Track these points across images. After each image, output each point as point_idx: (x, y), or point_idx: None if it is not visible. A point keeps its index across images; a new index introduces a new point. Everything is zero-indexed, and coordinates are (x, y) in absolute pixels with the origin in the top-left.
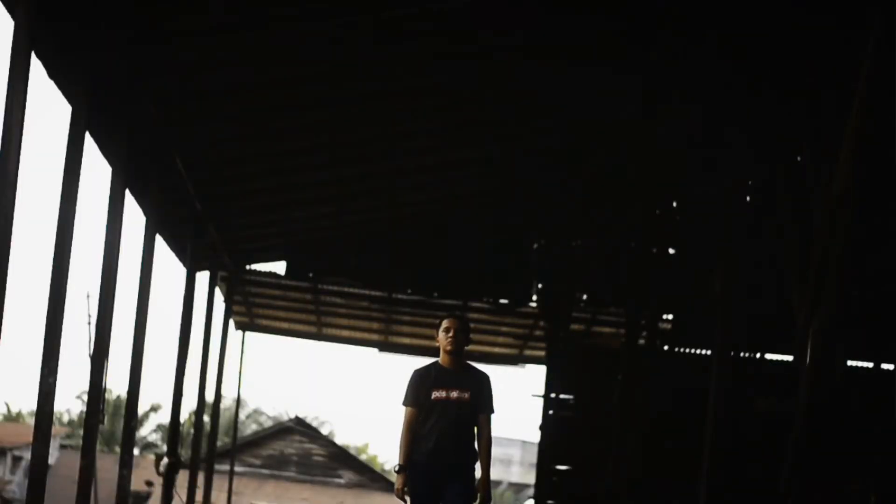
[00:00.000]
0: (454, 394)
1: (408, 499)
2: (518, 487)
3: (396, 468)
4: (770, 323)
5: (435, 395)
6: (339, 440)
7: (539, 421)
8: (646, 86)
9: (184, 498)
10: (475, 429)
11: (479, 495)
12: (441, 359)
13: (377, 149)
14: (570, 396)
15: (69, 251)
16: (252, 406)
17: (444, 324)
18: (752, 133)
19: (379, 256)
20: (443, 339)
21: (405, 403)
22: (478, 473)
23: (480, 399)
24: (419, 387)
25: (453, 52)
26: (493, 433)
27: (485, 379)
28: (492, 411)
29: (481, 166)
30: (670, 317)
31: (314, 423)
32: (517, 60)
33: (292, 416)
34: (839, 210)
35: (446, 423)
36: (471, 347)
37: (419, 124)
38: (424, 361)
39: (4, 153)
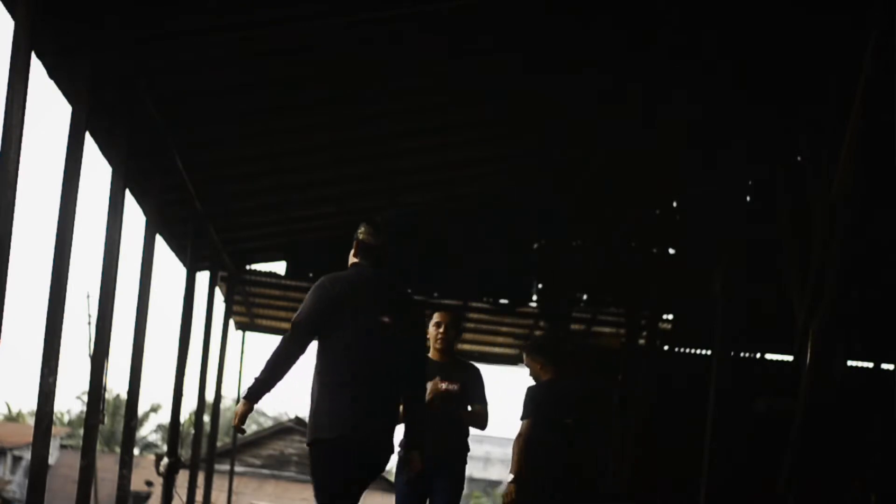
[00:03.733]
0: (443, 386)
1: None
2: None
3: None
4: (770, 323)
5: None
6: None
7: None
8: (646, 86)
9: (184, 498)
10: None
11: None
12: (430, 352)
13: (377, 149)
14: (486, 400)
15: (69, 251)
16: None
17: (435, 318)
18: (751, 133)
19: None
20: (432, 333)
21: None
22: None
23: (473, 392)
24: None
25: (454, 52)
26: (493, 433)
27: (475, 371)
28: (485, 403)
29: (481, 166)
30: (670, 317)
31: None
32: (518, 60)
33: (292, 416)
34: (839, 210)
35: (436, 416)
36: (471, 347)
37: (419, 124)
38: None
39: (4, 153)
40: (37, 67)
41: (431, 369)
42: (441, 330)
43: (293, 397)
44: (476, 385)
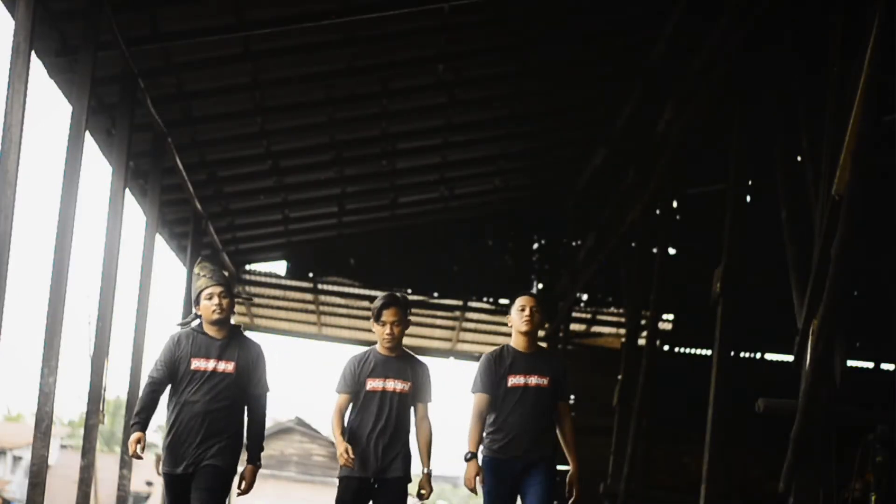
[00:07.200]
0: (532, 380)
1: (479, 489)
2: None
3: (467, 456)
4: (770, 323)
5: (511, 381)
6: None
7: None
8: (646, 85)
9: None
10: (553, 418)
11: (572, 490)
12: (514, 341)
13: (377, 148)
14: (571, 396)
15: (69, 251)
16: None
17: (519, 302)
18: (752, 133)
19: (379, 256)
20: (517, 318)
21: (475, 391)
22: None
23: (560, 385)
24: (493, 372)
25: (453, 52)
26: None
27: (562, 362)
28: (569, 398)
29: (481, 166)
30: (670, 317)
31: (314, 424)
32: (517, 60)
33: (292, 416)
34: (839, 210)
35: (524, 413)
36: (471, 347)
37: (419, 124)
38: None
39: (4, 153)
40: (37, 67)
41: (517, 362)
42: (526, 314)
43: (293, 399)
44: (563, 377)
